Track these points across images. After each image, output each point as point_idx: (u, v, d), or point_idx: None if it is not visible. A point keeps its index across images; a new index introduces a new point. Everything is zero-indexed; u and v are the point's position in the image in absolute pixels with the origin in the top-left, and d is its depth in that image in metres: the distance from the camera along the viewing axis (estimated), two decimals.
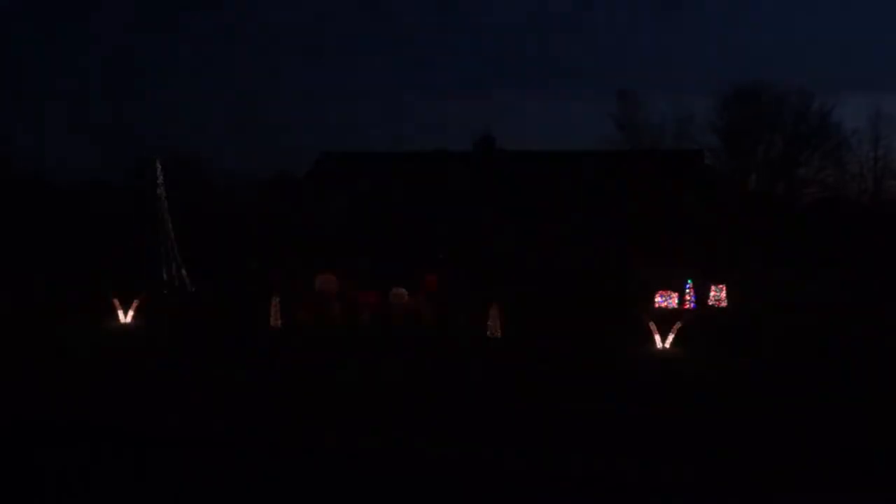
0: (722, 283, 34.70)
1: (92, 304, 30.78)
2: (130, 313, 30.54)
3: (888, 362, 22.40)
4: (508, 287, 35.48)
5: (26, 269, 38.06)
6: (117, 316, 30.42)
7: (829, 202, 44.68)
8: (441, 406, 18.60)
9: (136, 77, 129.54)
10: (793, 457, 14.56)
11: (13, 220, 45.91)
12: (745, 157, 38.10)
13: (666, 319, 30.04)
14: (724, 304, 34.39)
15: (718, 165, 39.42)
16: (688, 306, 33.73)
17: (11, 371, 22.16)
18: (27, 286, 34.94)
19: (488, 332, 27.17)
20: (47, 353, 24.29)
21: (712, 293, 34.53)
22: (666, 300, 33.38)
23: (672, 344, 25.58)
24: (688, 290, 34.17)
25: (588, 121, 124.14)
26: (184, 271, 39.50)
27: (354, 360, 23.06)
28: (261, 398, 19.46)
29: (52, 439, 17.25)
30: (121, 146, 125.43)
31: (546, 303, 33.56)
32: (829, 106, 38.16)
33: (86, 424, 17.84)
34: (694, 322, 27.57)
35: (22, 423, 18.10)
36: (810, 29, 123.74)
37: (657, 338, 25.87)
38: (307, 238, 42.54)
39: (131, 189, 69.48)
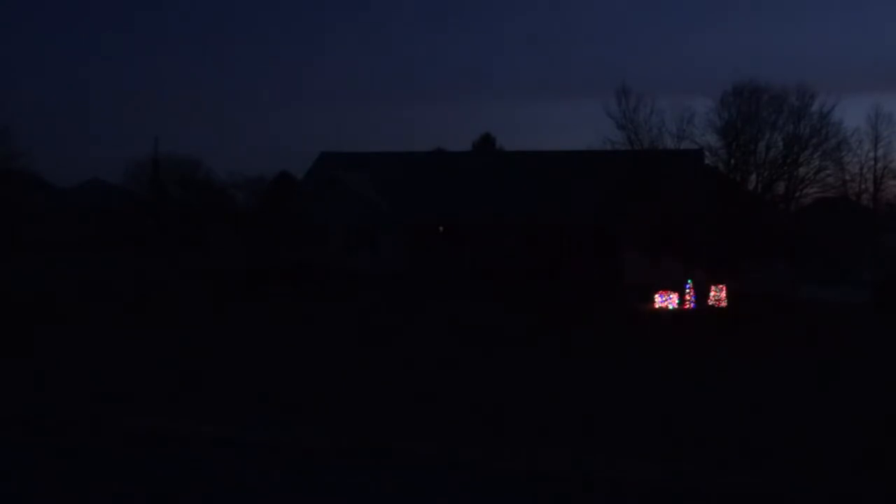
0: (722, 283, 34.71)
1: None
2: None
3: None
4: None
5: None
6: None
7: (829, 202, 44.73)
8: None
9: (136, 77, 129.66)
10: None
11: None
12: (745, 156, 38.00)
13: (666, 320, 30.07)
14: (724, 304, 34.39)
15: (718, 165, 39.32)
16: (688, 306, 33.76)
17: None
18: None
19: None
20: None
21: (712, 293, 34.54)
22: (666, 300, 33.42)
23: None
24: (688, 290, 34.17)
25: (587, 121, 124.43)
26: None
27: None
28: None
29: None
30: (119, 146, 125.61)
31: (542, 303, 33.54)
32: (829, 106, 38.06)
33: None
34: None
35: None
36: (810, 29, 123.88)
37: None
38: None
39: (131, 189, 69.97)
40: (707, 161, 39.90)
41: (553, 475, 10.58)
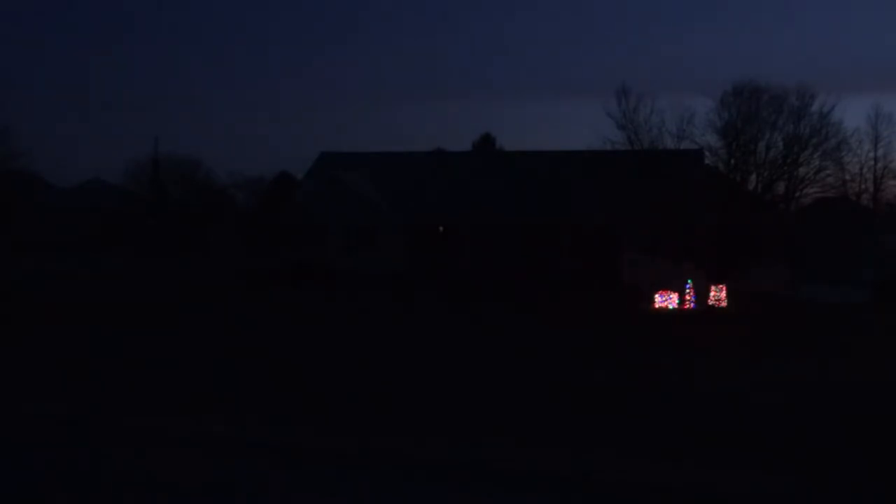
0: (722, 283, 34.69)
1: None
2: None
3: None
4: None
5: None
6: None
7: (829, 202, 44.66)
8: None
9: (136, 77, 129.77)
10: None
11: None
12: (745, 156, 37.94)
13: (666, 320, 30.09)
14: (724, 303, 34.38)
15: (718, 165, 39.26)
16: (688, 306, 33.75)
17: None
18: None
19: None
20: None
21: (712, 293, 34.52)
22: (666, 300, 33.40)
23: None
24: (688, 290, 34.16)
25: (587, 121, 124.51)
26: None
27: None
28: None
29: None
30: (119, 146, 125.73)
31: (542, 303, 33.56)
32: (829, 106, 37.99)
33: None
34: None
35: None
36: (810, 29, 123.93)
37: None
38: None
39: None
40: (707, 161, 39.84)
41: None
